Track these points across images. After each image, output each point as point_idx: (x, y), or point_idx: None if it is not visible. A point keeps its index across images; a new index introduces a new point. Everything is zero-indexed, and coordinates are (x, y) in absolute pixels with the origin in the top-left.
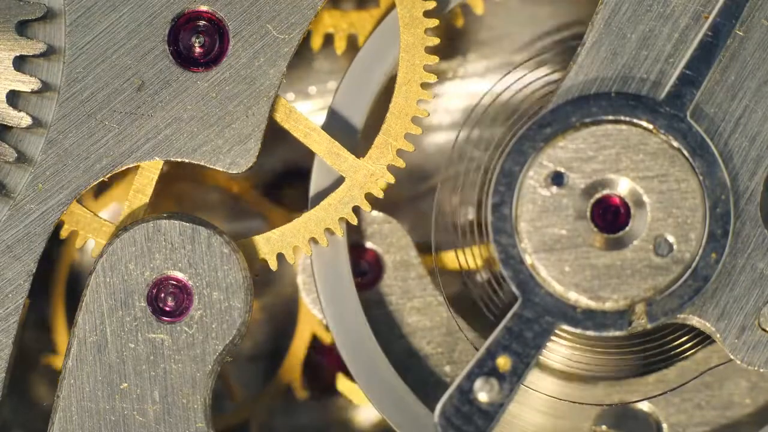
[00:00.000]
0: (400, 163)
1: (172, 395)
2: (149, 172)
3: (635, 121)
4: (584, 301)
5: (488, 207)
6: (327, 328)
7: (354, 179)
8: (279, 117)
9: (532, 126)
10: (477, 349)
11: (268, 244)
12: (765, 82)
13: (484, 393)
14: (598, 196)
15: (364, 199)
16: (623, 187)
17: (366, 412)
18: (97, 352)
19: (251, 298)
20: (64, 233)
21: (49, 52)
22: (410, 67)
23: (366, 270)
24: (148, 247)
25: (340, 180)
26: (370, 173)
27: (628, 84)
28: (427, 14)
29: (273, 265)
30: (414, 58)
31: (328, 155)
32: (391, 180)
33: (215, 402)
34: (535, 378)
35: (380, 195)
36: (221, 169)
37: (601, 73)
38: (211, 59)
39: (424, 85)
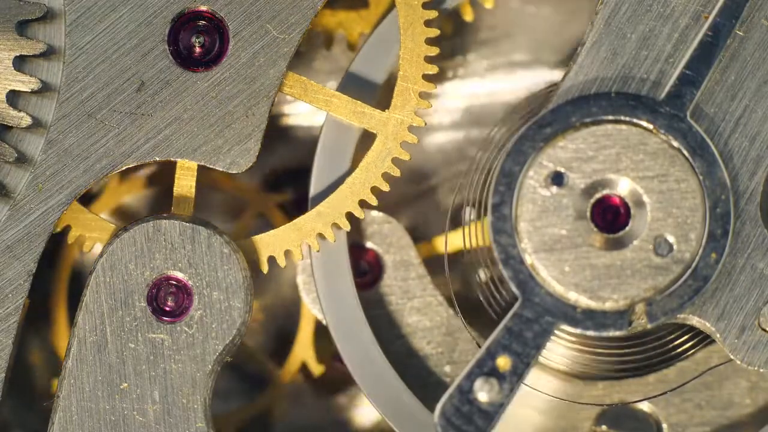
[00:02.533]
0: (425, 105)
1: (172, 395)
2: (187, 179)
3: (635, 121)
4: (584, 301)
5: (488, 207)
6: (327, 327)
7: (386, 132)
8: (296, 93)
9: (532, 126)
10: (480, 347)
11: (315, 221)
12: (765, 82)
13: (484, 393)
14: (598, 196)
15: (401, 148)
16: (623, 187)
17: (366, 412)
18: (97, 352)
19: (251, 298)
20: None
21: (49, 52)
22: (409, 9)
23: (366, 270)
24: (148, 247)
25: (341, 179)
26: (400, 122)
27: (628, 84)
28: None
29: (330, 236)
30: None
31: (354, 116)
32: (422, 124)
33: (215, 402)
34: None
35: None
36: (221, 169)
37: (601, 73)
38: (211, 59)
39: (428, 23)
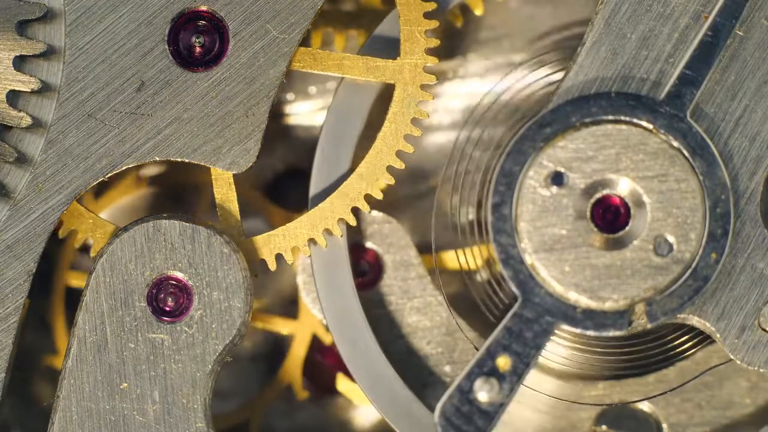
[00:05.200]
0: (434, 42)
1: (172, 395)
2: (224, 182)
3: (635, 121)
4: (584, 301)
5: (488, 207)
6: (327, 328)
7: (403, 79)
8: (306, 65)
9: (532, 126)
10: (477, 349)
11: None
12: (765, 82)
13: (484, 393)
14: (598, 196)
15: (422, 90)
16: (623, 187)
17: (366, 412)
18: (97, 352)
19: (251, 298)
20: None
21: (49, 52)
22: None
23: (366, 270)
24: (148, 247)
25: (341, 179)
26: (414, 65)
27: (628, 84)
28: None
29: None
30: None
31: (368, 72)
32: (436, 62)
33: (215, 402)
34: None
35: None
36: (221, 169)
37: (601, 73)
38: (211, 59)
39: None
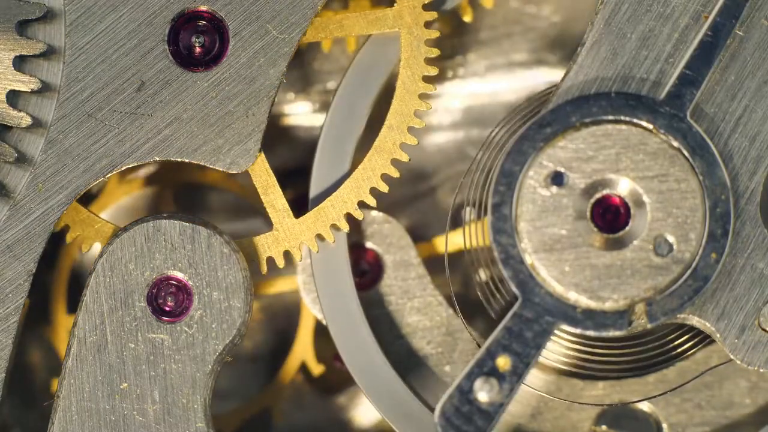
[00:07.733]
0: None
1: (172, 395)
2: (261, 170)
3: (635, 121)
4: (584, 301)
5: (488, 207)
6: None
7: (407, 24)
8: (310, 36)
9: (532, 126)
10: (479, 347)
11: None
12: (765, 82)
13: (484, 393)
14: (598, 196)
15: (427, 29)
16: (623, 187)
17: (366, 412)
18: (97, 352)
19: (251, 298)
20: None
21: (49, 52)
22: None
23: (366, 270)
24: (148, 247)
25: (341, 179)
26: (413, 6)
27: (628, 84)
28: None
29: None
30: None
31: (371, 26)
32: None
33: (215, 402)
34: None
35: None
36: (221, 169)
37: (601, 73)
38: (211, 59)
39: None
